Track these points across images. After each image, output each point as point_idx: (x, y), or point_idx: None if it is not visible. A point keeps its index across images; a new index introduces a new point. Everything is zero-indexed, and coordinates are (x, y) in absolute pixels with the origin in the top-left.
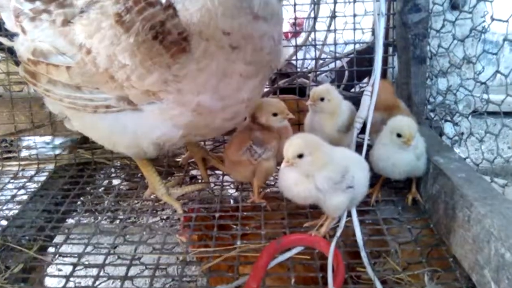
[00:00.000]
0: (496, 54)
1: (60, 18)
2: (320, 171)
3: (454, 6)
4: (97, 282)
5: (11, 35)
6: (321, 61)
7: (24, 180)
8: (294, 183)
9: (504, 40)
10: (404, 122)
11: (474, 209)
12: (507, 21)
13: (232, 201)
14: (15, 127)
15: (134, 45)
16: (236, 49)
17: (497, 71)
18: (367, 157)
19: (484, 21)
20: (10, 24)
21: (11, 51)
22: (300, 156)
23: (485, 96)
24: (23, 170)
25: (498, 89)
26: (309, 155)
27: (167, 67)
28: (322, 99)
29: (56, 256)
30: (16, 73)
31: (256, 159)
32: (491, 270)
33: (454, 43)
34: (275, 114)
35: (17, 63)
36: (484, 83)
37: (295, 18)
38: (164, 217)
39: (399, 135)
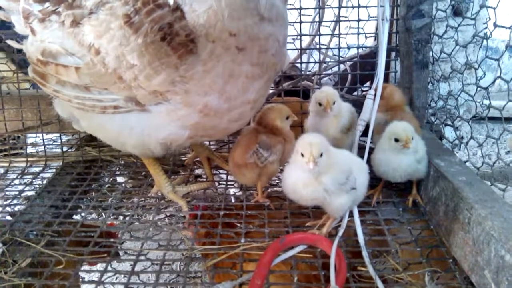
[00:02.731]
0: (498, 60)
1: (69, 19)
2: (327, 172)
3: (457, 13)
4: (104, 277)
5: (20, 38)
6: (324, 65)
7: (32, 176)
8: (303, 185)
9: (507, 46)
10: (399, 126)
11: (475, 211)
12: (510, 27)
13: (236, 200)
14: (23, 124)
15: (142, 46)
16: (242, 50)
17: (499, 77)
18: (368, 161)
19: (486, 28)
20: (20, 27)
21: (13, 50)
22: (321, 155)
23: (486, 101)
24: (30, 166)
25: (496, 95)
26: (325, 154)
27: (174, 68)
28: (333, 103)
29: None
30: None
31: (263, 162)
32: (491, 272)
33: (456, 49)
34: (287, 118)
35: (14, 61)
36: (486, 88)
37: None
38: (169, 214)
39: (396, 140)
